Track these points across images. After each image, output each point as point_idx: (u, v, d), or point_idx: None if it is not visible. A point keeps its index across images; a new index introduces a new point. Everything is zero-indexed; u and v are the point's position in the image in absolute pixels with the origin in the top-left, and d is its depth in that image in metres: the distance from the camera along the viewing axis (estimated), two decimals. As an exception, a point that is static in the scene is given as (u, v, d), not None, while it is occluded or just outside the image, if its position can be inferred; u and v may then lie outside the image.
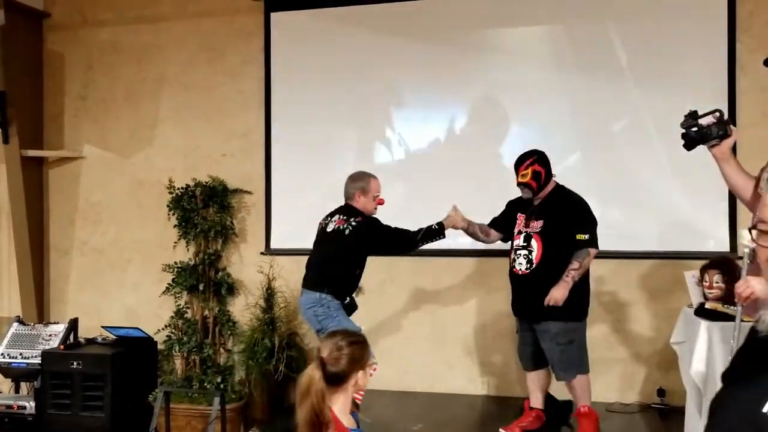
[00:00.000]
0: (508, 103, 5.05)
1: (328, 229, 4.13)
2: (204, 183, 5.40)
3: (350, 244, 4.02)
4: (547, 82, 4.96)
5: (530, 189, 4.01)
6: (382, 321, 5.23)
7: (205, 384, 5.14)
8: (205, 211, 5.39)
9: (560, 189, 4.09)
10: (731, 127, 2.86)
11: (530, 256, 4.00)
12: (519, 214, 4.13)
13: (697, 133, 2.87)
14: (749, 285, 2.66)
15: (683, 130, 2.92)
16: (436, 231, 4.17)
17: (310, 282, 4.10)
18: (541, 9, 4.97)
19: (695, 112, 2.92)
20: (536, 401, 4.22)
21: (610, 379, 4.76)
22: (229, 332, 5.41)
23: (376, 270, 5.20)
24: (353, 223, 4.04)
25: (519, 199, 4.20)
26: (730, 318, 3.33)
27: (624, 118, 4.83)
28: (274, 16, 5.44)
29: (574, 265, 3.89)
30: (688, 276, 3.82)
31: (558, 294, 3.86)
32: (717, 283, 3.59)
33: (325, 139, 5.34)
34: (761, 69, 4.59)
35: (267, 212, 5.46)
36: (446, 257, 5.11)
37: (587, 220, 3.97)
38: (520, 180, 4.03)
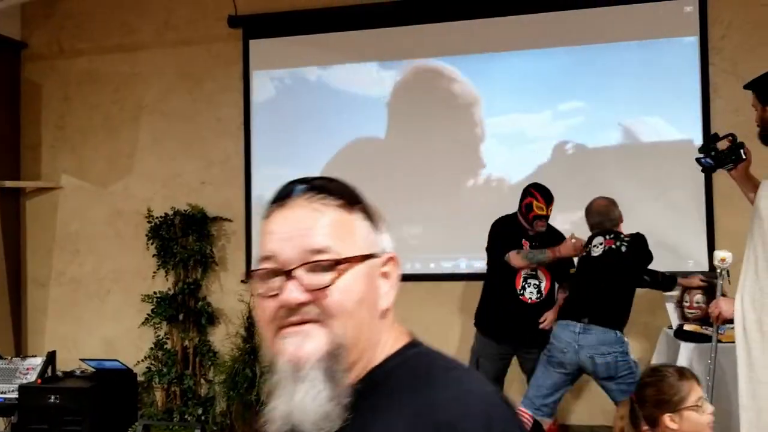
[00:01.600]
0: (488, 125, 5.07)
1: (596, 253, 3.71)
2: (183, 211, 5.37)
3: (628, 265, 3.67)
4: (526, 104, 4.99)
5: (546, 223, 4.05)
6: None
7: (186, 416, 5.07)
8: (185, 240, 5.35)
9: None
10: (745, 150, 2.88)
11: (540, 286, 4.01)
12: (523, 240, 4.12)
13: (713, 159, 2.91)
14: (718, 306, 2.74)
15: (699, 155, 2.97)
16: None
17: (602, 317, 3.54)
18: (520, 33, 5.02)
19: (715, 135, 2.96)
20: None
21: (594, 402, 4.73)
22: (209, 362, 5.35)
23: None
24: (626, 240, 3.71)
25: (507, 223, 4.17)
26: (709, 339, 3.34)
27: (602, 140, 4.86)
28: (252, 43, 5.46)
29: (564, 293, 4.00)
30: (667, 298, 3.83)
31: (552, 317, 3.92)
32: (698, 303, 3.61)
33: (306, 164, 5.33)
34: (734, 90, 4.69)
35: (247, 240, 5.42)
36: (429, 281, 5.09)
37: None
38: (541, 213, 3.99)
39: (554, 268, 4.06)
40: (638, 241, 3.65)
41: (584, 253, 3.74)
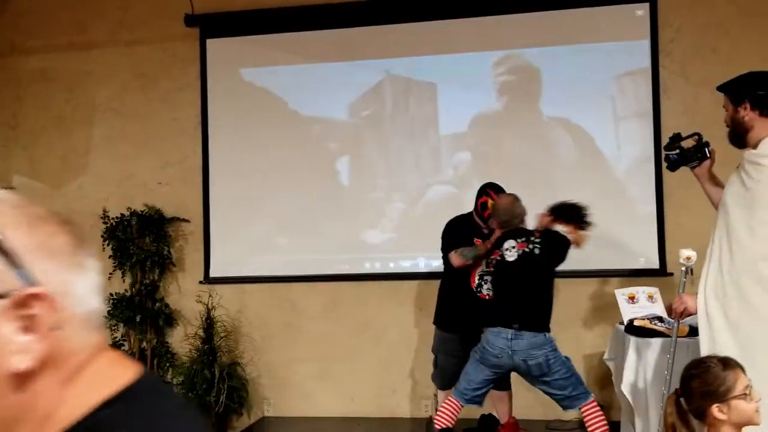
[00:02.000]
0: (444, 128, 5.12)
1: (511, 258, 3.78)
2: (139, 212, 5.31)
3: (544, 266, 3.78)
4: (477, 108, 5.06)
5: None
6: (325, 346, 5.20)
7: (144, 418, 5.02)
8: (141, 241, 5.29)
9: None
10: (710, 149, 3.00)
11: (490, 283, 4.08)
12: (475, 239, 4.17)
13: (678, 156, 3.03)
14: (683, 301, 2.81)
15: (666, 153, 3.08)
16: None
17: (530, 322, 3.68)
18: (473, 38, 5.08)
19: (678, 134, 3.07)
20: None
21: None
22: (167, 364, 5.30)
23: (320, 294, 5.22)
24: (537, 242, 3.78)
25: (460, 223, 4.23)
26: (658, 334, 3.45)
27: (554, 140, 4.95)
28: (209, 42, 5.42)
29: None
30: (618, 293, 3.93)
31: None
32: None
33: (265, 166, 5.32)
34: (683, 92, 4.83)
35: (206, 240, 5.39)
36: (388, 281, 5.13)
37: None
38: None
39: None
40: (549, 238, 3.78)
41: (498, 257, 3.81)
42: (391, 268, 5.12)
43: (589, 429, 3.66)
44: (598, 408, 3.67)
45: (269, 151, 5.32)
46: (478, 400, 3.78)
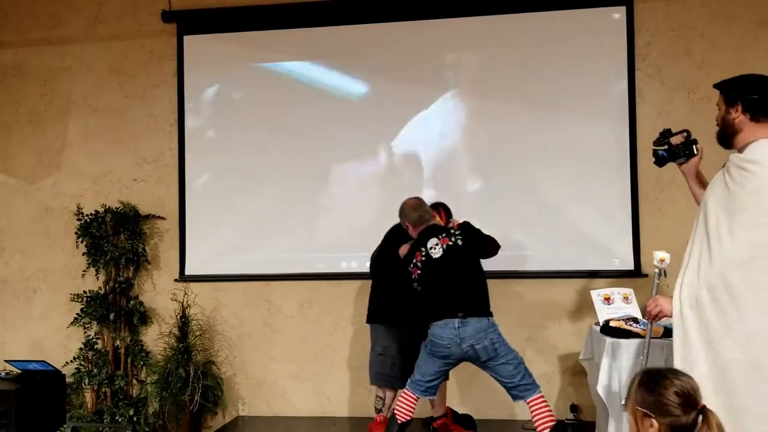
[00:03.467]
0: (419, 131, 5.12)
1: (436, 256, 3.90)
2: (114, 209, 5.25)
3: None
4: (453, 108, 5.07)
5: None
6: (301, 345, 5.19)
7: (117, 418, 4.98)
8: (116, 238, 5.24)
9: None
10: (698, 146, 3.02)
11: None
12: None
13: (666, 152, 3.04)
14: (658, 303, 2.81)
15: (654, 149, 3.09)
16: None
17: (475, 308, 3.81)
18: (453, 38, 5.09)
19: (668, 130, 3.09)
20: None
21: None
22: (141, 363, 5.25)
23: (296, 293, 5.20)
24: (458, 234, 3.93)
25: (402, 229, 4.26)
26: (634, 335, 3.48)
27: (529, 143, 4.97)
28: (187, 39, 5.38)
29: None
30: (594, 294, 3.96)
31: None
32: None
33: (242, 163, 5.29)
34: (658, 95, 4.89)
35: (181, 238, 5.34)
36: (364, 280, 5.11)
37: None
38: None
39: None
40: (467, 229, 3.95)
41: (423, 258, 3.90)
42: (368, 267, 5.11)
43: (536, 421, 3.74)
44: (545, 402, 3.78)
45: (246, 149, 5.28)
46: (432, 392, 3.93)
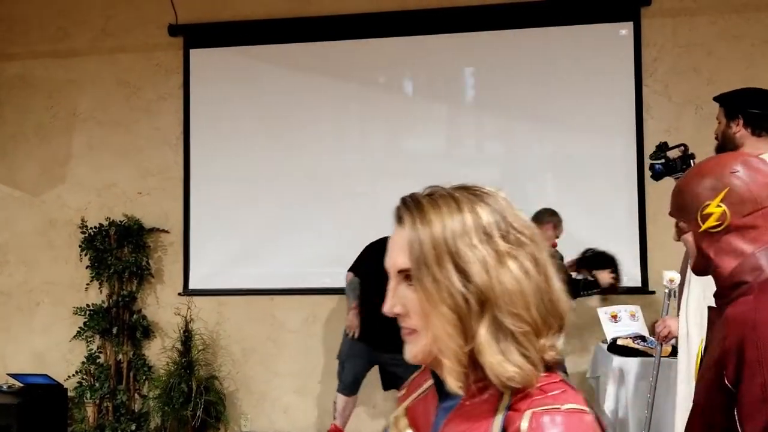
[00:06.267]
0: (427, 145, 5.11)
1: None
2: (118, 222, 5.24)
3: None
4: (461, 122, 5.07)
5: None
6: (305, 361, 5.15)
7: (119, 432, 4.94)
8: (120, 251, 5.22)
9: None
10: (695, 161, 2.97)
11: None
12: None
13: (663, 166, 3.00)
14: (666, 324, 2.77)
15: (651, 162, 3.05)
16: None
17: None
18: (457, 53, 5.09)
19: (665, 144, 3.04)
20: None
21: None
22: (144, 377, 5.21)
23: (300, 308, 5.17)
24: None
25: (377, 249, 4.25)
26: (641, 354, 3.44)
27: (536, 158, 4.96)
28: (193, 52, 5.38)
29: None
30: (601, 312, 3.92)
31: None
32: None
33: (247, 177, 5.28)
34: (665, 111, 4.86)
35: (185, 252, 5.32)
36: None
37: None
38: None
39: None
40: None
41: None
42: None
43: None
44: None
45: (251, 163, 5.27)
46: None
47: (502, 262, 0.96)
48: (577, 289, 3.89)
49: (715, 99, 2.82)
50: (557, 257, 3.97)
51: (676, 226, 1.66)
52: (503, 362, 0.93)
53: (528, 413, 0.90)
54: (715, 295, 1.62)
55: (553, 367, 0.99)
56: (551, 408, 0.90)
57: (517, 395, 0.93)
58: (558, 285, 1.00)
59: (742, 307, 1.45)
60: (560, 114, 4.91)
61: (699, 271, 1.62)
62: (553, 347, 0.98)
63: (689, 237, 1.58)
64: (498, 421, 0.93)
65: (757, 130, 2.65)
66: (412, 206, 1.07)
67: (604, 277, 3.94)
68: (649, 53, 4.86)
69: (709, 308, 1.66)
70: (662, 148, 3.06)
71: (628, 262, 4.79)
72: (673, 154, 3.04)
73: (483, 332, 0.94)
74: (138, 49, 5.48)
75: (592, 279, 3.90)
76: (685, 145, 3.03)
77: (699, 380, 1.55)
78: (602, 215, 4.81)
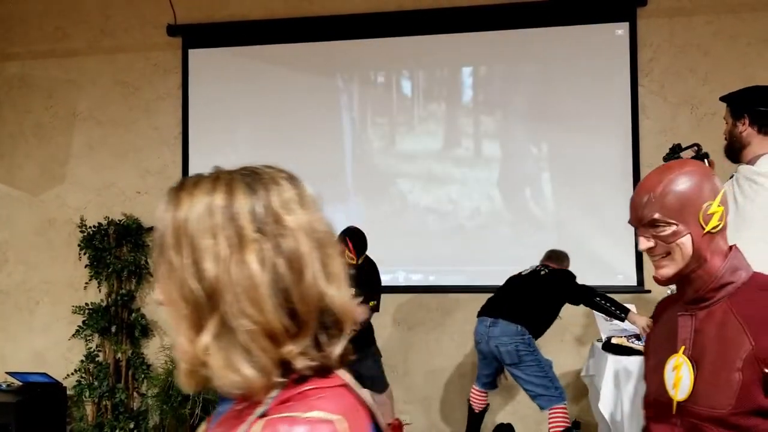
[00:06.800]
0: (425, 146, 5.14)
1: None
2: (117, 221, 5.26)
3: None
4: (459, 122, 5.09)
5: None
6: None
7: (118, 431, 4.96)
8: (119, 251, 5.24)
9: None
10: (709, 160, 2.97)
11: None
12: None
13: None
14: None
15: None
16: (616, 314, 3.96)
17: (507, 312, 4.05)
18: (453, 52, 5.11)
19: (678, 145, 3.05)
20: None
21: (527, 413, 4.84)
22: (142, 375, 5.24)
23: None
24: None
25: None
26: (636, 352, 3.46)
27: (531, 158, 4.98)
28: (192, 52, 5.40)
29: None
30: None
31: None
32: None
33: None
34: (661, 112, 4.89)
35: (184, 251, 5.33)
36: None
37: None
38: (351, 263, 4.08)
39: None
40: (561, 273, 4.24)
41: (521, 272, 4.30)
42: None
43: (549, 428, 3.89)
44: (564, 413, 3.89)
45: (249, 162, 5.27)
46: (490, 386, 4.32)
47: (242, 253, 0.86)
48: (589, 297, 3.92)
49: (722, 99, 2.82)
50: (564, 276, 4.15)
51: (656, 229, 1.62)
52: (224, 367, 0.84)
53: (261, 421, 0.82)
54: (690, 301, 1.62)
55: (335, 369, 0.89)
56: (291, 416, 0.82)
57: (279, 400, 0.84)
58: (325, 286, 0.89)
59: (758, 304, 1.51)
60: (557, 114, 4.93)
61: (687, 275, 1.63)
62: (308, 353, 0.86)
63: (687, 240, 1.59)
64: (242, 429, 0.84)
65: (764, 128, 2.64)
66: (175, 187, 0.96)
67: (642, 322, 3.73)
68: (645, 53, 4.88)
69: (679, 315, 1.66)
70: (676, 149, 3.06)
71: (623, 261, 4.82)
72: (686, 154, 3.04)
73: (208, 331, 0.85)
74: (137, 49, 5.50)
75: (623, 316, 3.79)
76: (698, 145, 3.02)
77: (711, 391, 1.52)
78: (597, 214, 4.84)
